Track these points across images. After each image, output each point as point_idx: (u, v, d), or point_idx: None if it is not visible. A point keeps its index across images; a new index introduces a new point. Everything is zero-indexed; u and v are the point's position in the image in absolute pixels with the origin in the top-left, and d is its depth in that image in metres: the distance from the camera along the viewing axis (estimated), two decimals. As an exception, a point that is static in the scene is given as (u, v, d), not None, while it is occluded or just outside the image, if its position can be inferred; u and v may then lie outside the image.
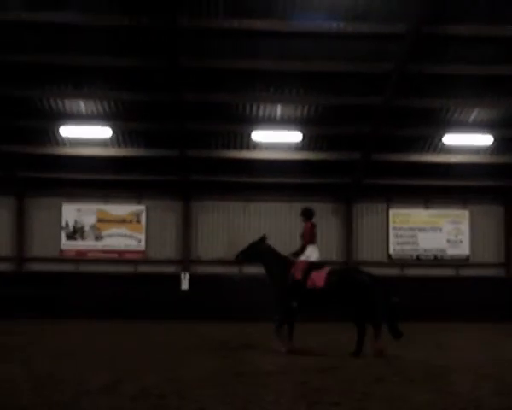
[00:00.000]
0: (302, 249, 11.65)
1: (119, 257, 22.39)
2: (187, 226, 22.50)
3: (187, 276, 22.27)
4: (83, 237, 22.40)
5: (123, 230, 22.54)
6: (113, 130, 19.70)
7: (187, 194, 22.47)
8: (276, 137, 20.25)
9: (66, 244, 22.31)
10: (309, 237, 11.69)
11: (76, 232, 22.41)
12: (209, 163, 21.48)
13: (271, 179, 21.95)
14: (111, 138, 20.27)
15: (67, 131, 19.62)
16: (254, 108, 19.25)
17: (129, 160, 21.18)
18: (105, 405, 6.65)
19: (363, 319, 10.92)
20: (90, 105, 19.06)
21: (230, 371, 8.99)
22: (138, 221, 22.59)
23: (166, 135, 20.16)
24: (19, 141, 20.26)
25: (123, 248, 22.44)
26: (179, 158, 20.77)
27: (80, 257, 22.38)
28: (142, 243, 22.48)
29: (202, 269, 22.62)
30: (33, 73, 17.64)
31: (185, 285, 22.29)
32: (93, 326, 18.08)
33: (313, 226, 11.84)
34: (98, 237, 22.44)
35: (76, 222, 22.37)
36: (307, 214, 11.97)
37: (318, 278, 11.12)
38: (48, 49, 16.77)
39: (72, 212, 22.45)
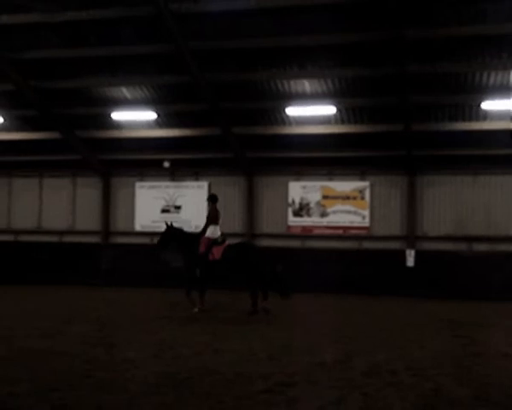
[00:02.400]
0: (205, 228, 14.01)
1: (344, 233, 22.58)
2: (412, 202, 22.00)
3: (412, 252, 21.83)
4: (308, 214, 22.94)
5: (347, 206, 22.68)
6: (336, 107, 19.85)
7: (412, 168, 21.95)
8: (510, 106, 18.92)
9: (293, 221, 23.01)
10: (212, 218, 14.07)
11: (302, 209, 23.01)
12: (435, 136, 20.75)
13: (501, 151, 20.63)
14: (335, 115, 20.45)
15: (293, 110, 20.17)
16: (484, 76, 18.17)
17: (352, 136, 21.22)
18: (338, 378, 6.79)
19: (253, 285, 13.45)
20: (314, 84, 19.37)
21: (464, 352, 8.69)
22: (362, 197, 22.58)
23: (390, 109, 19.83)
24: (248, 122, 21.25)
25: (347, 224, 22.61)
26: (403, 132, 20.34)
27: (306, 233, 22.96)
28: (367, 220, 22.45)
29: (428, 245, 22.00)
30: (260, 57, 18.35)
31: (410, 262, 21.88)
32: (319, 301, 18.53)
33: (216, 210, 14.35)
34: (323, 214, 22.83)
35: (302, 199, 22.97)
36: (213, 199, 14.56)
37: (217, 252, 13.64)
38: (271, 33, 17.34)
39: (298, 189, 23.06)
